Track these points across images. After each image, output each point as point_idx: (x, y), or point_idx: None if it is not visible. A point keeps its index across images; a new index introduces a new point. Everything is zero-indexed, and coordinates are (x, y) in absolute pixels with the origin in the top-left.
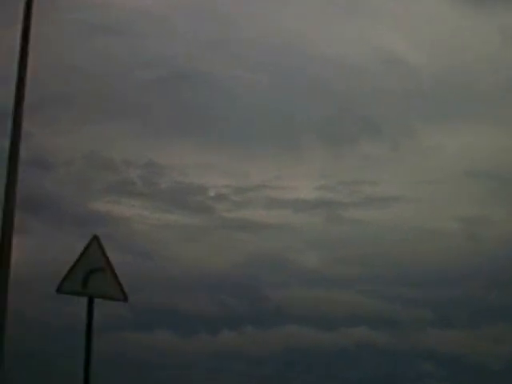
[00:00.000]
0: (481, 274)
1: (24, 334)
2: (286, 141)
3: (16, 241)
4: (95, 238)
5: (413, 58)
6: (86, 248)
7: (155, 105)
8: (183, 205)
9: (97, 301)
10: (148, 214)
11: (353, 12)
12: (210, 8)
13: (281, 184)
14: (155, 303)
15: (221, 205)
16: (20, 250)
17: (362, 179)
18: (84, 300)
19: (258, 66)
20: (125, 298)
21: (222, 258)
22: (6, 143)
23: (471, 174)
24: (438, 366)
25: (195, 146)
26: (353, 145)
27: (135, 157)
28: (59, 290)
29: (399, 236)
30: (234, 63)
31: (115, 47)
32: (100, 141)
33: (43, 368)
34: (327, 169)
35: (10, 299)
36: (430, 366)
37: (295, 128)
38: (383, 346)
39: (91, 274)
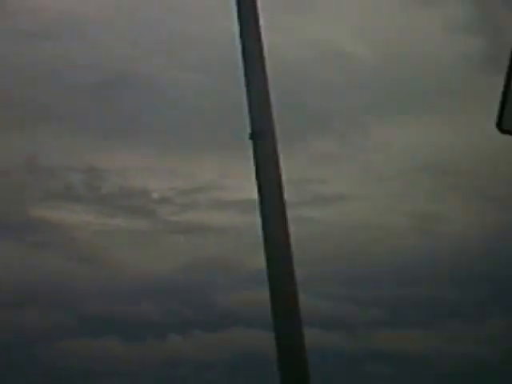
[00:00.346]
0: (436, 272)
1: None
2: (232, 139)
3: None
4: None
5: (357, 51)
6: None
7: (93, 109)
8: (126, 209)
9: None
10: (90, 220)
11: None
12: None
13: (226, 184)
14: (101, 310)
15: (165, 208)
16: None
17: (310, 178)
18: None
19: (195, 66)
20: None
21: (167, 263)
22: None
23: (422, 170)
24: (388, 367)
25: (137, 149)
26: (301, 142)
27: (75, 162)
28: None
29: (349, 235)
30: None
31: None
32: (37, 147)
33: None
34: None
35: None
36: (381, 366)
37: (241, 126)
38: (335, 347)
39: None
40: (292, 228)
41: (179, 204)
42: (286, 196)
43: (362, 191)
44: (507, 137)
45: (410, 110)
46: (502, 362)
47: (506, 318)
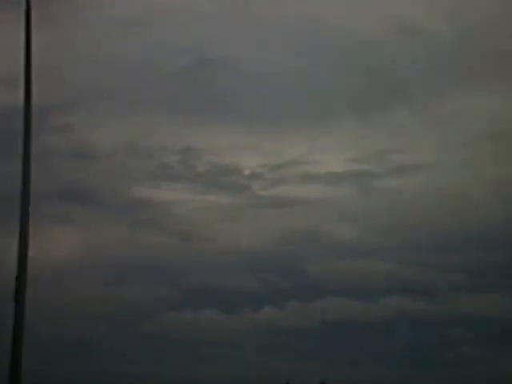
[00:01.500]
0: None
1: None
2: (316, 115)
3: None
4: None
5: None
6: None
7: (184, 92)
8: (220, 186)
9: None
10: (187, 197)
11: None
12: None
13: (312, 158)
14: (200, 283)
15: (256, 183)
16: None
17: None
18: None
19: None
20: None
21: (259, 236)
22: None
23: (498, 137)
24: (473, 331)
25: (227, 128)
26: (382, 112)
27: (171, 143)
28: None
29: (432, 203)
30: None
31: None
32: (137, 131)
33: None
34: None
35: None
36: (465, 331)
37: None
38: (420, 313)
39: None
40: (375, 198)
41: (269, 179)
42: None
43: (439, 160)
44: None
45: (484, 80)
46: None
47: None
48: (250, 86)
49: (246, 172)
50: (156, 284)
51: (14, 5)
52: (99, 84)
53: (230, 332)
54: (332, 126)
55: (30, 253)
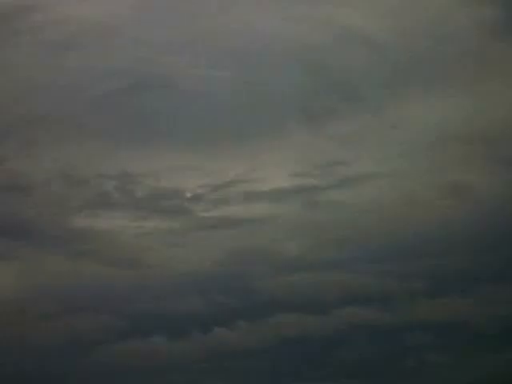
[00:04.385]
0: (470, 238)
1: None
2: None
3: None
4: None
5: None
6: None
7: (118, 115)
8: (161, 210)
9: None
10: (128, 224)
11: None
12: None
13: (256, 176)
14: (147, 309)
15: (198, 205)
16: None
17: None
18: None
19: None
20: None
21: (205, 258)
22: None
23: (447, 141)
24: (434, 337)
25: (165, 151)
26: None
27: (108, 169)
28: None
29: (379, 212)
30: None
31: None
32: (72, 158)
33: None
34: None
35: None
36: (426, 336)
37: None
38: (376, 323)
39: None
40: (321, 212)
41: (211, 200)
42: (311, 181)
43: (387, 168)
44: None
45: (428, 84)
46: None
47: None
48: (186, 105)
49: (187, 194)
50: (102, 313)
51: None
52: (31, 111)
53: (178, 357)
54: (276, 140)
55: None
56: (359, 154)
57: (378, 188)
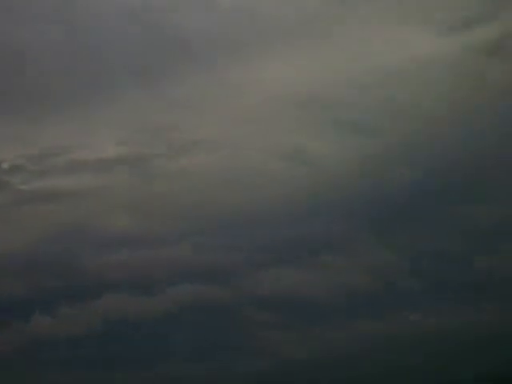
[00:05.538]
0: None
1: None
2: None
3: None
4: None
5: None
6: None
7: None
8: None
9: None
10: None
11: None
12: None
13: (81, 143)
14: None
15: (17, 177)
16: None
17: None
18: None
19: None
20: None
21: (22, 236)
22: None
23: (283, 106)
24: (272, 312)
25: None
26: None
27: None
28: None
29: (214, 181)
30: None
31: None
32: None
33: None
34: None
35: None
36: (263, 313)
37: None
38: (213, 300)
39: None
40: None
41: (32, 171)
42: (140, 149)
43: (223, 135)
44: None
45: (269, 47)
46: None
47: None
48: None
49: (5, 165)
50: None
51: None
52: None
53: None
54: (105, 103)
55: None
56: (193, 119)
57: (214, 155)
